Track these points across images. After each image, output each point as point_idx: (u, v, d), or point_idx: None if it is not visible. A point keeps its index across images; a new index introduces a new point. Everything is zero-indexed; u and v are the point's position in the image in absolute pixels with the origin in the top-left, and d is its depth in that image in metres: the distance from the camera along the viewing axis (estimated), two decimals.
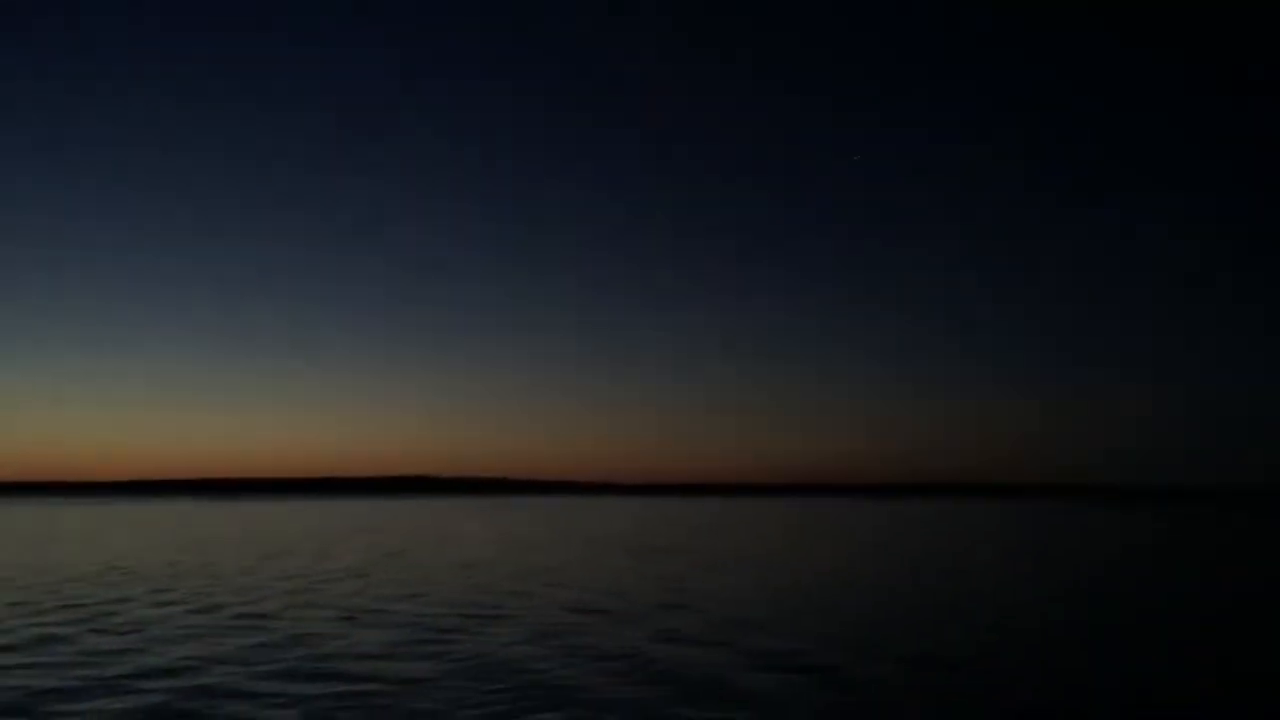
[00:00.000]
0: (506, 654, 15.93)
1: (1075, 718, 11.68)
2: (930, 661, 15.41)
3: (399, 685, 13.45)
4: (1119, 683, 13.78)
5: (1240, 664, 15.27)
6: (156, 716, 11.55)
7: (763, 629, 18.90)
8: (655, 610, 21.68)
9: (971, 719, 11.65)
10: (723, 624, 19.55)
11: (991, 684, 13.66)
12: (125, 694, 12.79)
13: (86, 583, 27.48)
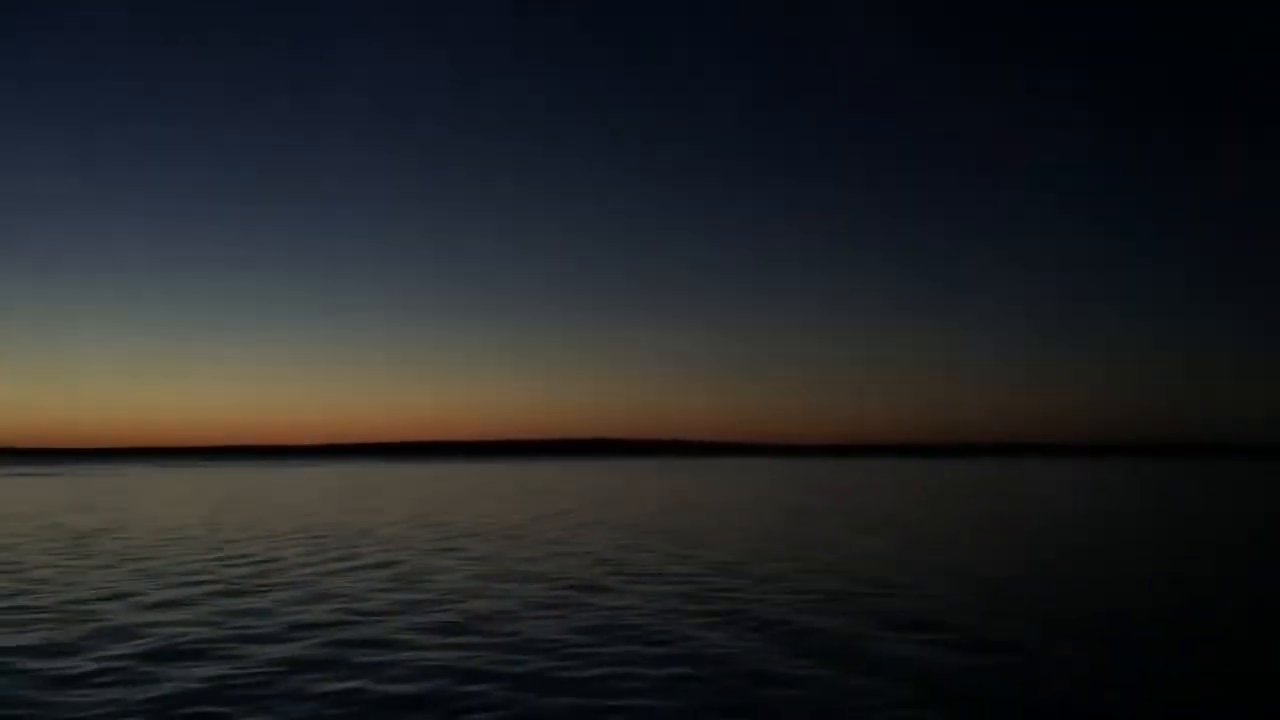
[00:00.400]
0: (637, 615, 15.97)
1: (1219, 695, 10.76)
2: (1069, 627, 14.52)
3: (522, 642, 13.67)
4: (1269, 660, 12.60)
5: None
6: (296, 667, 12.15)
7: (902, 591, 18.31)
8: (799, 572, 21.32)
9: (1100, 690, 10.89)
10: (863, 586, 19.08)
11: (1127, 654, 12.75)
12: (273, 644, 13.54)
13: (261, 541, 29.27)
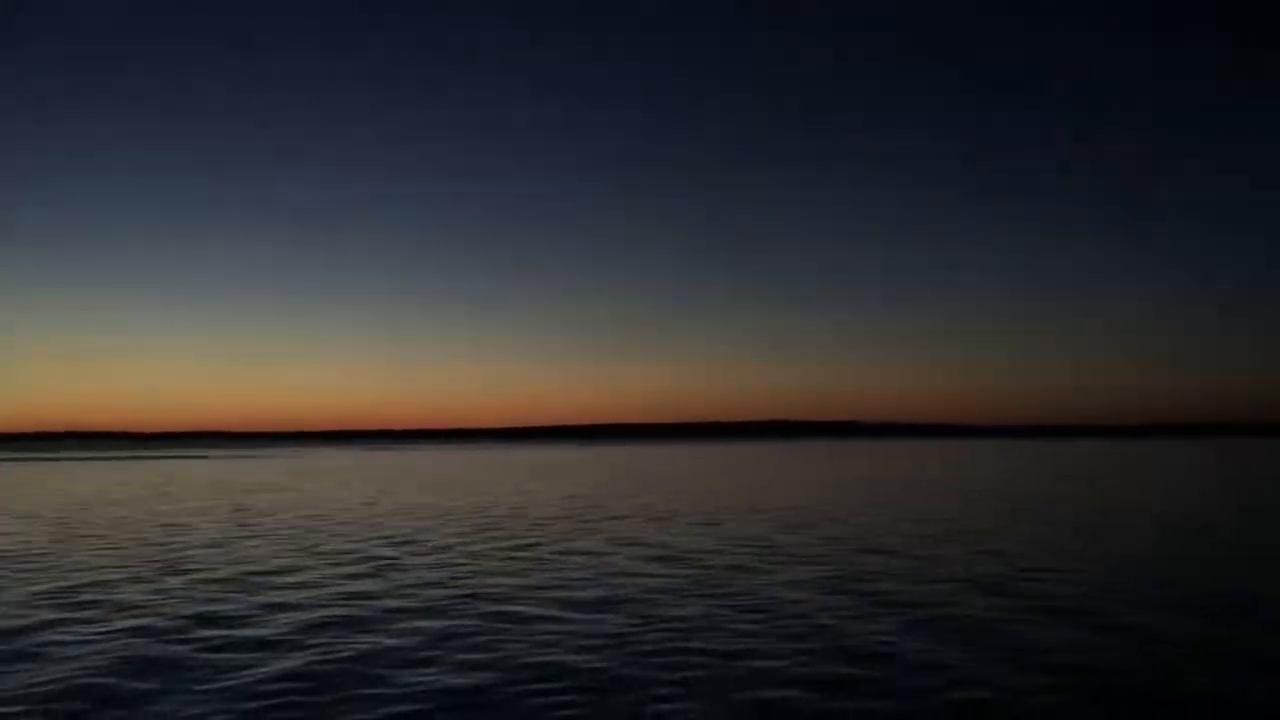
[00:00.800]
0: (778, 594, 15.77)
1: None
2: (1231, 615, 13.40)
3: (665, 620, 13.72)
4: None
5: None
6: (446, 639, 12.63)
7: (1053, 576, 17.45)
8: (954, 555, 20.62)
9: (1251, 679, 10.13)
10: (1017, 570, 18.25)
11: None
12: (412, 618, 14.09)
13: (420, 520, 30.56)
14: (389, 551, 22.06)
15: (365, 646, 12.12)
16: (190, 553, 21.98)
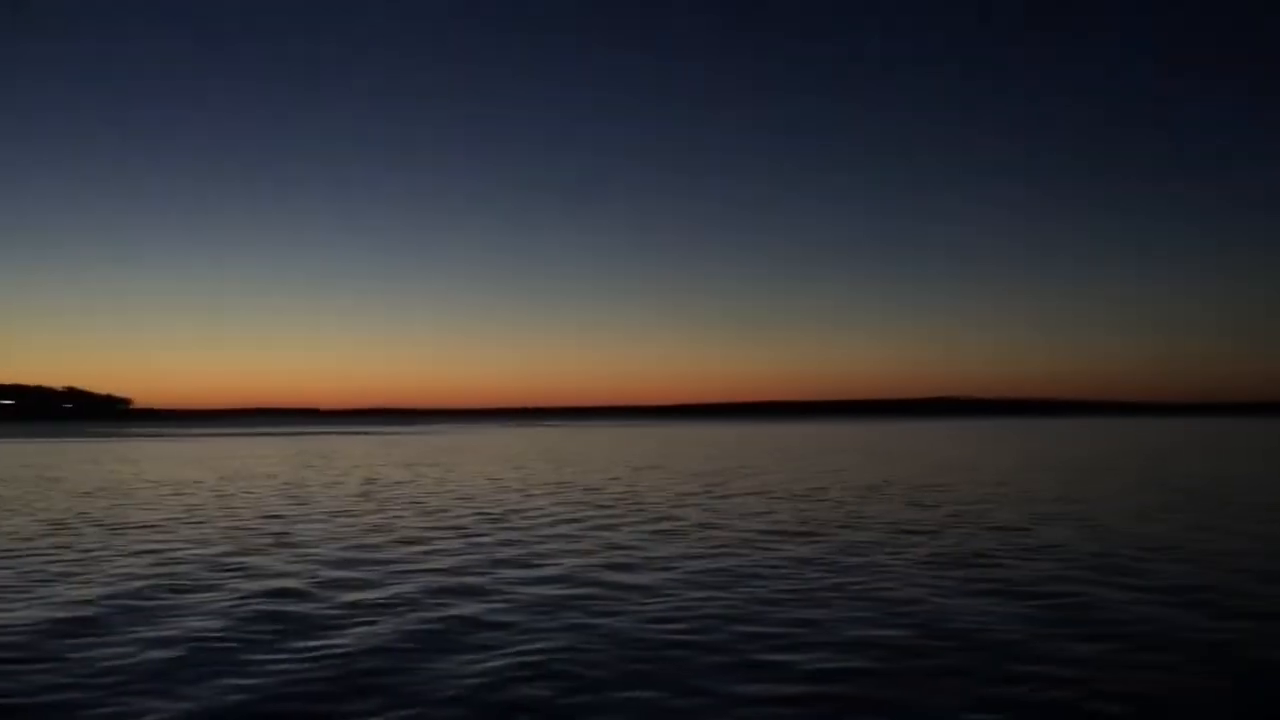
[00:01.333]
0: (876, 577, 15.19)
1: None
2: None
3: (765, 600, 13.41)
4: None
5: None
6: (537, 609, 12.74)
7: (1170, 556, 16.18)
8: (1067, 536, 19.39)
9: None
10: (1133, 552, 17.09)
11: None
12: (526, 585, 14.33)
13: (545, 495, 30.77)
14: (499, 523, 22.11)
15: (458, 615, 12.28)
16: (309, 524, 22.40)
